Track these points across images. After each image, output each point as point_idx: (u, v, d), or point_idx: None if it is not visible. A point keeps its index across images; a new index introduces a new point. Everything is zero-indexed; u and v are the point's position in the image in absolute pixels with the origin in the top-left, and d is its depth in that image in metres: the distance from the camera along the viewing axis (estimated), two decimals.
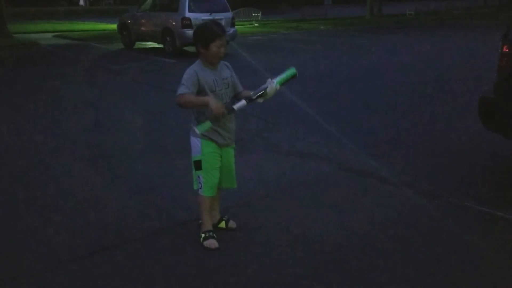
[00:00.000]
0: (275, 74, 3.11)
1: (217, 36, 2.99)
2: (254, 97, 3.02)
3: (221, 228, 3.41)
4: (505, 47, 4.23)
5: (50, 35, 20.48)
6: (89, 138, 5.82)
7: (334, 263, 3.02)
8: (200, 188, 3.18)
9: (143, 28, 14.87)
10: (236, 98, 3.18)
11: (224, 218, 3.46)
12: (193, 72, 3.02)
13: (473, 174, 4.52)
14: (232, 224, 3.46)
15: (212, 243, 3.18)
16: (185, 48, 13.76)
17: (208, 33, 3.02)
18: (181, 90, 2.97)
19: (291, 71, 3.13)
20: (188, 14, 13.16)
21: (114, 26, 17.77)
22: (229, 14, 14.17)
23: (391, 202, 3.91)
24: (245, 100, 3.01)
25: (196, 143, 3.15)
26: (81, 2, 55.72)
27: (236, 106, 2.99)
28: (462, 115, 6.46)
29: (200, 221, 3.32)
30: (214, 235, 3.23)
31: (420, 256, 3.09)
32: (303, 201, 3.95)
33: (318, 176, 4.50)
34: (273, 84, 3.02)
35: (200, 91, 3.02)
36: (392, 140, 5.59)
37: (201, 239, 3.21)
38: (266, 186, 4.25)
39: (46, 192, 4.18)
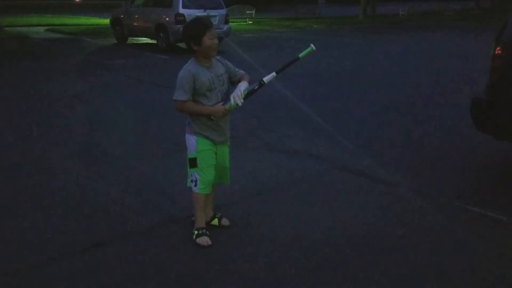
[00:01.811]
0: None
1: (206, 28, 2.99)
2: (283, 67, 3.12)
3: (214, 226, 3.41)
4: (498, 48, 4.26)
5: (42, 29, 20.27)
6: (82, 133, 5.78)
7: (327, 261, 3.04)
8: (195, 186, 3.18)
9: (136, 24, 14.79)
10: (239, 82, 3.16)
11: (217, 216, 3.46)
12: (189, 73, 2.99)
13: (465, 175, 4.56)
14: (225, 221, 3.46)
15: (204, 240, 3.18)
16: (178, 44, 13.70)
17: (197, 28, 3.01)
18: (180, 96, 2.99)
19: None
20: (182, 10, 13.12)
21: (107, 21, 17.63)
22: (223, 11, 14.13)
23: (384, 201, 3.93)
24: (275, 72, 3.11)
25: (191, 140, 3.14)
26: None
27: (266, 79, 3.09)
28: (454, 115, 6.51)
29: (193, 218, 3.32)
30: (207, 232, 3.23)
31: (413, 254, 3.11)
32: (297, 200, 3.96)
33: (311, 175, 4.51)
34: None
35: (196, 93, 3.02)
36: (386, 139, 5.62)
37: (194, 236, 3.21)
38: (259, 184, 4.25)
39: (38, 188, 4.15)
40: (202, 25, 3.01)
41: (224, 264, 2.99)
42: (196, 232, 3.22)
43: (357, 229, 3.44)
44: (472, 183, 4.39)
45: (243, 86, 3.07)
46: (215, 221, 3.44)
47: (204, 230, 3.23)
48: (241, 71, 3.25)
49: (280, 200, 3.94)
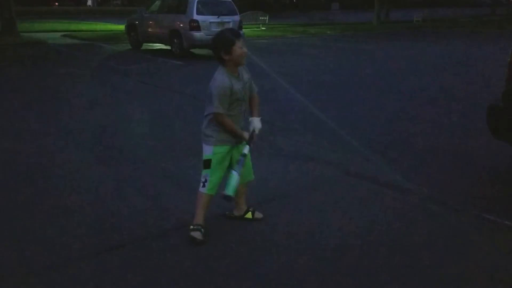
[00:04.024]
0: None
1: (236, 38, 3.11)
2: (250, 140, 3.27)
3: (248, 219, 3.56)
4: None
5: (58, 34, 20.58)
6: (96, 138, 5.84)
7: (338, 267, 3.02)
8: (203, 186, 3.27)
9: (150, 30, 14.94)
10: (249, 104, 3.34)
11: (250, 209, 3.59)
12: (227, 86, 3.06)
13: (479, 182, 4.51)
14: (258, 214, 3.60)
15: (198, 234, 3.26)
16: (192, 50, 13.81)
17: (227, 38, 3.11)
18: (219, 109, 3.08)
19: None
20: (196, 17, 13.23)
21: (122, 27, 17.85)
22: (237, 17, 14.21)
23: (396, 207, 3.90)
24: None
25: (208, 147, 3.24)
26: (89, 3, 56.06)
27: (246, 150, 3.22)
28: (470, 122, 6.45)
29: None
30: (202, 230, 3.29)
31: (425, 261, 3.08)
32: (311, 206, 3.94)
33: (324, 181, 4.50)
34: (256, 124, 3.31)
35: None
36: (399, 146, 5.58)
37: (190, 230, 3.29)
38: (273, 190, 4.25)
39: (52, 191, 4.20)
40: (232, 34, 3.13)
41: (235, 269, 2.99)
42: (192, 227, 3.30)
43: (371, 237, 3.42)
44: (488, 190, 4.33)
45: (257, 125, 3.31)
46: (249, 215, 3.58)
47: (200, 227, 3.30)
48: (254, 89, 3.37)
49: (293, 206, 3.93)
